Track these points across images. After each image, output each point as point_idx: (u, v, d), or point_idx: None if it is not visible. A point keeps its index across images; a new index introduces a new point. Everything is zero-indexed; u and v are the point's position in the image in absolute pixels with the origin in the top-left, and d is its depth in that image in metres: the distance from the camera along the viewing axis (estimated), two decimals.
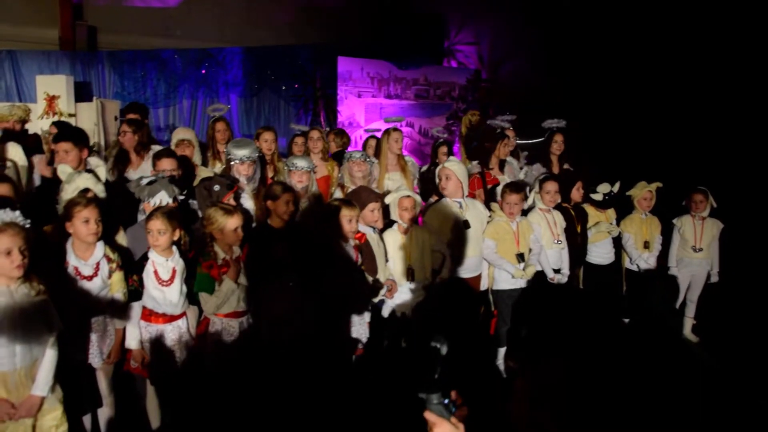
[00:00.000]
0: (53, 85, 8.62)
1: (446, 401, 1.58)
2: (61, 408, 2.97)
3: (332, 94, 10.55)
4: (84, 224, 3.32)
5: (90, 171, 3.78)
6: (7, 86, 9.32)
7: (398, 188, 4.66)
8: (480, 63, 13.24)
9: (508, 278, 4.80)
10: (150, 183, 3.78)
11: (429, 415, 1.58)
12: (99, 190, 3.66)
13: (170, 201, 3.75)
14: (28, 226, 2.84)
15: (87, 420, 3.63)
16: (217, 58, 10.33)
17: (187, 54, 10.23)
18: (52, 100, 8.54)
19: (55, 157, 4.18)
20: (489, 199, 5.30)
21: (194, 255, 3.60)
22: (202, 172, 4.75)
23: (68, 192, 3.58)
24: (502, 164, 5.80)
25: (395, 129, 5.85)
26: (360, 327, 4.12)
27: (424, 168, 6.55)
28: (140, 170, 4.85)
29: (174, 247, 3.55)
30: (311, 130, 6.01)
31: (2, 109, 5.93)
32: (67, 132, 4.39)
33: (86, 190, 3.57)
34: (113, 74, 9.85)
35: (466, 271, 4.82)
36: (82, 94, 9.15)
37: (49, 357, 2.89)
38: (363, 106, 10.72)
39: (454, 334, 4.54)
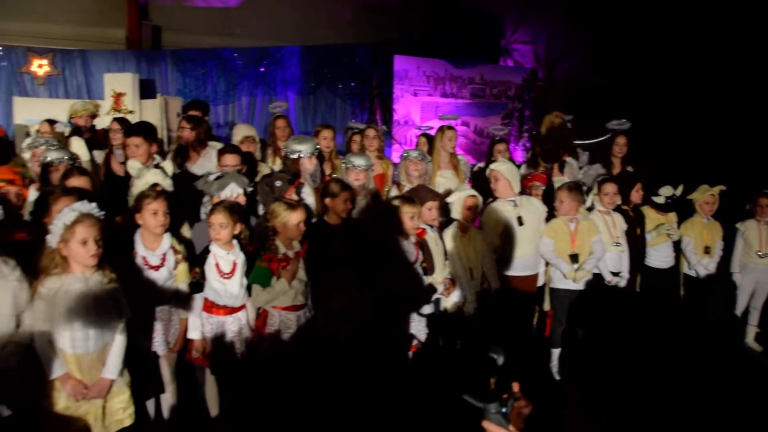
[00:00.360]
0: (120, 83, 8.97)
1: (504, 410, 1.60)
2: (129, 392, 3.10)
3: (388, 92, 10.59)
4: (153, 216, 3.47)
5: (158, 166, 3.93)
6: (77, 84, 9.69)
7: (461, 187, 4.71)
8: (536, 62, 13.09)
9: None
10: (218, 178, 3.90)
11: (487, 425, 1.60)
12: (167, 185, 3.81)
13: (240, 192, 3.85)
14: (102, 217, 2.98)
15: (150, 405, 3.77)
16: (275, 57, 10.49)
17: (246, 52, 10.42)
18: (118, 97, 8.88)
19: (126, 151, 4.35)
20: (549, 198, 5.28)
21: (254, 249, 3.70)
22: (263, 169, 4.86)
23: (138, 187, 3.74)
24: (562, 164, 5.77)
25: (449, 127, 5.90)
26: (418, 323, 4.16)
27: (477, 167, 6.56)
28: (198, 165, 4.98)
29: (235, 241, 3.65)
30: (367, 128, 6.08)
31: (76, 104, 6.20)
32: (137, 127, 4.56)
33: (155, 185, 3.72)
34: (176, 72, 10.12)
35: (521, 270, 4.83)
36: (146, 91, 9.47)
37: (118, 342, 3.03)
38: (419, 105, 10.72)
39: (509, 336, 4.56)
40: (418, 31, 11.42)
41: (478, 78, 11.43)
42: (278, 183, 3.93)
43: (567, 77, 12.43)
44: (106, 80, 9.10)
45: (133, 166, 3.91)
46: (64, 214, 2.88)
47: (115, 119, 5.95)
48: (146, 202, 3.49)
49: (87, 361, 2.92)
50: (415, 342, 4.13)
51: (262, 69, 10.45)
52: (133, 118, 7.48)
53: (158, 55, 10.19)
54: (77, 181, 3.74)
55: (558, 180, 5.55)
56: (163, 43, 10.66)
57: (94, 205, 2.97)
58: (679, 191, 5.31)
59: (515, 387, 1.66)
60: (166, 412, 3.82)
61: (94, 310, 2.89)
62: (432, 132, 6.54)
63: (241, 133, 5.14)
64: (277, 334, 3.67)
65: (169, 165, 4.08)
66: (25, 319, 2.87)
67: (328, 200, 4.05)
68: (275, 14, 10.93)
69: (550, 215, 4.94)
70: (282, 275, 3.58)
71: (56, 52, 9.61)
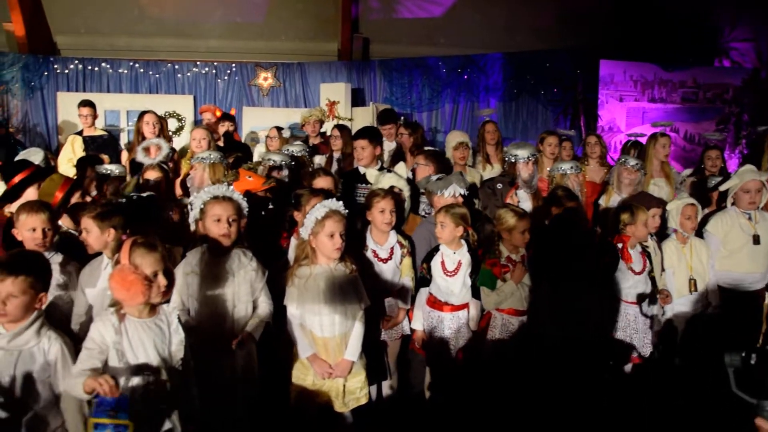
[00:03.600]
0: (334, 92, 9.72)
1: None
2: (364, 373, 3.36)
3: (593, 98, 10.29)
4: (380, 213, 3.74)
5: (391, 171, 4.23)
6: (296, 94, 10.63)
7: (680, 195, 4.53)
8: (759, 61, 11.94)
9: None
10: (440, 178, 4.10)
11: (761, 422, 1.59)
12: (402, 185, 4.08)
13: (462, 192, 4.01)
14: (346, 214, 3.29)
15: (372, 390, 4.03)
16: (478, 64, 10.66)
17: (450, 60, 10.71)
18: (332, 105, 9.62)
19: (354, 153, 4.72)
20: None
21: (483, 252, 3.83)
22: (472, 175, 5.01)
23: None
24: None
25: (663, 134, 5.68)
26: (644, 336, 4.05)
27: (686, 172, 6.23)
28: None
29: (462, 242, 3.81)
30: (588, 136, 6.06)
31: (305, 112, 6.82)
32: (363, 130, 4.90)
33: (392, 187, 4.00)
34: (383, 81, 10.70)
35: (748, 285, 4.55)
36: (356, 99, 10.15)
37: (358, 328, 3.30)
38: (624, 111, 10.31)
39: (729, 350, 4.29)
40: (624, 34, 10.96)
41: (690, 81, 10.72)
42: (499, 186, 4.05)
43: None
44: (321, 90, 9.90)
45: (371, 173, 4.23)
46: (316, 209, 3.21)
47: (336, 126, 6.44)
48: (375, 200, 3.78)
49: (333, 343, 3.22)
50: (635, 354, 4.01)
51: (465, 76, 10.68)
52: (349, 125, 8.02)
53: (368, 65, 10.85)
54: (323, 182, 4.13)
55: None
56: (371, 54, 11.30)
57: (341, 203, 3.28)
58: None
59: None
60: (386, 396, 4.07)
61: (339, 297, 3.18)
62: (642, 140, 6.32)
63: (455, 139, 5.32)
64: (498, 337, 3.76)
65: (402, 168, 4.35)
66: (259, 305, 3.24)
67: (554, 208, 4.11)
68: (478, 22, 11.09)
69: None
70: (510, 278, 3.68)
71: (278, 65, 10.61)
